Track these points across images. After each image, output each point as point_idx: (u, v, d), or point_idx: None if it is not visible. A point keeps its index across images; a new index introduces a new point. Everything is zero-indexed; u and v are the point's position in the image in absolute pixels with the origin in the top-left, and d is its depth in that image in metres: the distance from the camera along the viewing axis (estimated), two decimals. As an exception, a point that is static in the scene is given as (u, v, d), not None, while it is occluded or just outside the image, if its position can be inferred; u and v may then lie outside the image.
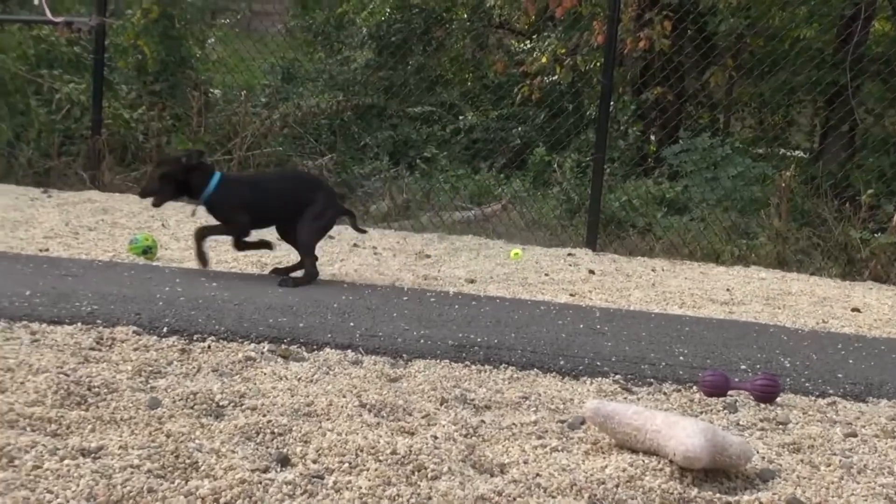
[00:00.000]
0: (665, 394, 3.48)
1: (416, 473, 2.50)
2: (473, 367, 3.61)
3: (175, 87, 9.29)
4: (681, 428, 2.63)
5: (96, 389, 2.92)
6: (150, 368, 3.23)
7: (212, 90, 9.94)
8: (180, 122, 9.02)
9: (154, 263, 5.31)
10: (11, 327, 3.60)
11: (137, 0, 9.44)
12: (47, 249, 5.52)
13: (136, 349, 3.46)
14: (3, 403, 2.70)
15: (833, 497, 2.55)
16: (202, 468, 2.41)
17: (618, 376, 3.64)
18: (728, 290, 6.08)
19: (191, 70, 9.57)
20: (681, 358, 3.98)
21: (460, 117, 11.32)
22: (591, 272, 6.32)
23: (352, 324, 4.07)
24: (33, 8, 8.85)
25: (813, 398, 3.57)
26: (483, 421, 2.95)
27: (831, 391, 3.67)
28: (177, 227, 6.80)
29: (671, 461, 2.61)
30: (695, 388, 3.54)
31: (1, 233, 5.94)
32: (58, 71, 9.19)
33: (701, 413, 3.28)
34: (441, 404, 3.11)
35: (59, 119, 8.78)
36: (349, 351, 3.66)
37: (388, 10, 11.79)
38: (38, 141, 8.67)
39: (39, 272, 4.67)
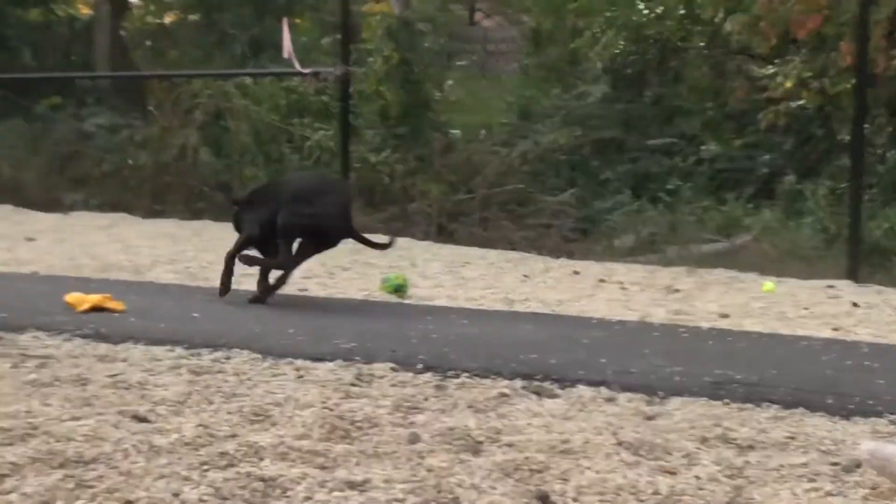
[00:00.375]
0: (949, 436, 3.24)
1: (681, 514, 2.43)
2: (733, 404, 3.49)
3: (417, 129, 9.59)
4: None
5: (359, 424, 3.02)
6: (408, 404, 3.31)
7: (452, 131, 10.19)
8: (423, 164, 9.29)
9: (405, 301, 5.47)
10: (278, 363, 3.79)
11: (378, 48, 9.81)
12: (306, 289, 5.79)
13: (393, 385, 3.55)
14: (275, 436, 2.84)
15: None
16: (464, 503, 2.43)
17: (894, 416, 3.42)
18: None
19: (431, 112, 9.85)
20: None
21: (702, 147, 11.09)
22: (855, 305, 6.02)
23: (603, 360, 4.03)
24: (283, 62, 9.38)
25: None
26: (748, 462, 2.84)
27: None
28: (425, 265, 6.99)
29: (963, 508, 2.43)
30: (984, 429, 3.28)
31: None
32: (307, 119, 9.68)
33: None
34: (702, 443, 3.02)
35: (309, 165, 9.24)
36: (602, 388, 3.62)
37: (622, 43, 11.73)
38: (292, 186, 9.12)
39: (300, 311, 4.90)
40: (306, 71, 8.90)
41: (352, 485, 2.52)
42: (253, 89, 9.99)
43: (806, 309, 5.81)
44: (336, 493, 2.44)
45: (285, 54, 8.80)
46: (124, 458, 2.61)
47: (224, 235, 7.96)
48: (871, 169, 9.51)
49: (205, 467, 2.58)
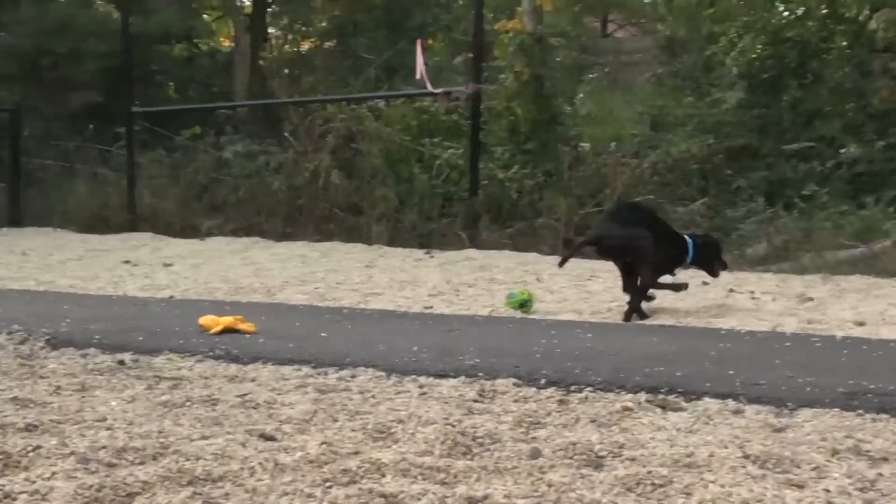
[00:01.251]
0: None
1: (808, 529, 2.37)
2: (867, 415, 3.38)
3: (546, 144, 9.59)
4: None
5: (480, 440, 3.04)
6: (530, 419, 3.32)
7: (581, 144, 10.15)
8: (551, 178, 9.28)
9: (531, 316, 5.47)
10: (402, 381, 3.85)
11: (510, 65, 9.85)
12: (431, 307, 5.86)
13: (515, 401, 3.57)
14: (397, 453, 2.88)
15: None
16: (584, 518, 2.43)
17: None
18: None
19: (561, 126, 9.84)
20: None
21: (841, 150, 10.73)
22: None
23: (731, 372, 3.97)
24: (416, 83, 9.52)
25: None
26: (881, 474, 2.75)
27: None
28: (550, 280, 6.98)
29: None
30: None
31: (390, 292, 6.39)
32: (437, 139, 9.79)
33: None
34: (832, 456, 2.93)
35: (439, 183, 9.34)
36: (729, 400, 3.56)
37: (760, 47, 11.47)
38: (420, 205, 9.25)
39: (425, 328, 4.97)
40: (438, 91, 9.03)
41: (472, 500, 2.54)
42: (385, 111, 10.17)
43: None
44: (456, 509, 2.46)
45: (417, 76, 8.94)
46: (250, 475, 2.68)
47: (352, 256, 8.16)
48: None
49: (328, 484, 2.63)
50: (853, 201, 9.50)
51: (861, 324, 5.26)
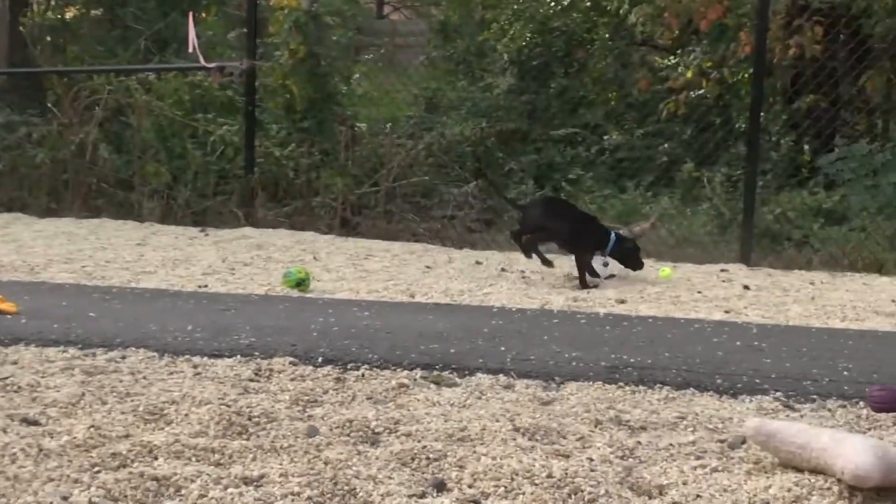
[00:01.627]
0: (830, 411, 3.37)
1: (573, 497, 2.48)
2: (627, 388, 3.58)
3: (322, 123, 9.52)
4: (849, 445, 2.54)
5: (256, 419, 3.01)
6: (307, 398, 3.31)
7: (358, 124, 10.15)
8: (328, 157, 9.25)
9: (308, 295, 5.46)
10: (175, 361, 3.75)
11: (285, 42, 9.72)
12: (206, 286, 5.73)
13: (292, 379, 3.55)
14: (170, 435, 2.81)
15: None
16: (360, 494, 2.45)
17: (778, 394, 3.54)
18: (894, 300, 5.83)
19: (337, 106, 9.80)
20: (845, 373, 3.85)
21: (605, 137, 11.25)
22: (746, 288, 6.17)
23: (503, 348, 4.09)
24: (188, 56, 9.25)
25: None
26: (639, 442, 2.92)
27: None
28: (328, 259, 6.97)
29: (839, 480, 2.52)
30: (862, 404, 3.41)
31: (162, 271, 6.21)
32: (211, 115, 9.56)
33: (870, 430, 3.15)
34: (595, 426, 3.09)
35: (213, 160, 9.12)
36: (501, 375, 3.67)
37: (529, 35, 11.82)
38: (194, 182, 9.02)
39: (199, 308, 4.86)
40: (211, 66, 8.80)
41: (247, 480, 2.52)
42: (156, 85, 9.81)
43: (699, 293, 5.94)
44: (231, 490, 2.43)
45: (190, 49, 8.68)
46: (12, 462, 2.56)
47: (122, 233, 7.86)
48: (766, 156, 9.77)
49: (96, 469, 2.56)
50: (615, 185, 9.98)
51: (622, 301, 5.54)
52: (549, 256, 6.30)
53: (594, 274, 6.31)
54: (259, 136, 9.04)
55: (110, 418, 2.97)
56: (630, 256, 6.35)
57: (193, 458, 2.66)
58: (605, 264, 6.39)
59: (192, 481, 2.47)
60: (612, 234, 6.33)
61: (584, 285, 6.13)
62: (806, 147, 10.43)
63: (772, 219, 8.15)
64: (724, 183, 9.10)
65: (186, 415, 3.02)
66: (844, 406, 3.42)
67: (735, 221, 7.93)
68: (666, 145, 10.79)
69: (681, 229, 8.31)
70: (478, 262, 7.01)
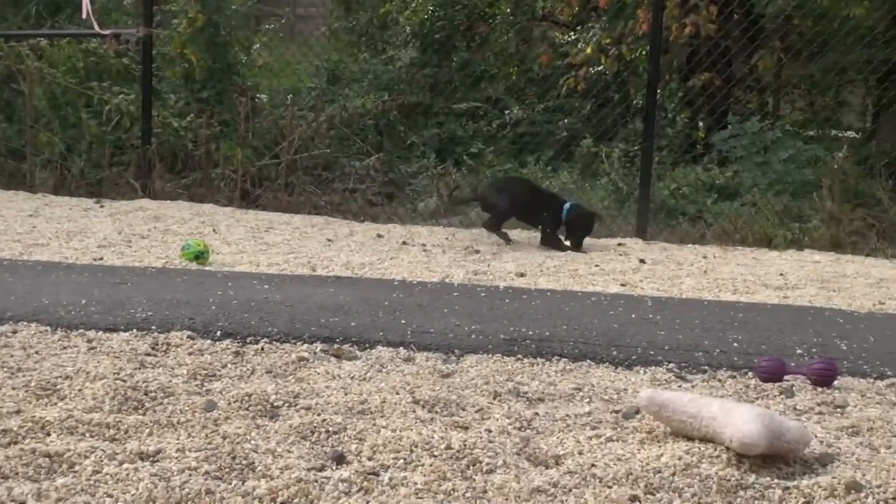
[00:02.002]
0: (720, 381, 3.46)
1: (471, 468, 2.50)
2: (526, 360, 3.61)
3: (222, 93, 9.36)
4: (737, 414, 2.61)
5: (153, 394, 2.96)
6: (205, 372, 3.28)
7: (258, 95, 10.01)
8: (228, 128, 9.10)
9: (207, 268, 5.38)
10: (69, 336, 3.66)
11: (183, 10, 9.52)
12: (102, 258, 5.61)
13: (190, 353, 3.50)
14: (63, 410, 2.75)
15: (894, 479, 2.51)
16: (259, 468, 2.43)
17: (671, 365, 3.62)
18: (782, 274, 6.01)
19: (237, 76, 9.64)
20: (735, 344, 3.95)
21: (506, 112, 11.30)
22: (642, 261, 6.29)
23: (403, 321, 4.09)
24: (82, 22, 8.98)
25: (871, 380, 3.52)
26: (537, 413, 2.96)
27: (890, 373, 3.61)
28: (227, 231, 6.88)
29: (728, 448, 2.59)
30: (750, 374, 3.51)
31: (56, 243, 6.05)
32: (107, 83, 9.32)
33: (757, 399, 3.25)
34: (494, 398, 3.11)
35: (109, 130, 8.90)
36: (401, 348, 3.68)
37: (431, 8, 11.78)
38: (89, 152, 8.79)
39: (94, 281, 4.75)
40: (106, 32, 8.55)
41: (143, 455, 2.48)
42: (48, 51, 9.51)
43: (597, 266, 6.03)
44: (126, 465, 2.39)
45: (84, 15, 8.42)
46: None
47: (14, 204, 7.62)
48: (663, 132, 9.94)
49: (-15, 445, 2.48)
50: (516, 160, 10.06)
51: (522, 274, 5.59)
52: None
53: (562, 246, 6.63)
54: (156, 106, 8.85)
55: (0, 394, 2.89)
56: (572, 227, 6.64)
57: (87, 434, 2.61)
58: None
59: (86, 457, 2.42)
60: (567, 205, 6.70)
61: (557, 248, 6.58)
62: (700, 124, 10.66)
63: (667, 194, 8.31)
64: (621, 158, 9.24)
65: (80, 390, 2.96)
66: (734, 376, 3.51)
67: (632, 196, 8.06)
68: (566, 121, 10.90)
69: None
70: (379, 236, 7.00)
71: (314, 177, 8.88)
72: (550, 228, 6.69)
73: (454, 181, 8.58)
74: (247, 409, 2.89)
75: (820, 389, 3.35)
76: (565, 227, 6.67)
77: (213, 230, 6.89)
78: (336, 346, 3.69)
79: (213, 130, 8.93)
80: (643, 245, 7.09)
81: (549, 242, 6.66)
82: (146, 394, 2.96)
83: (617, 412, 3.01)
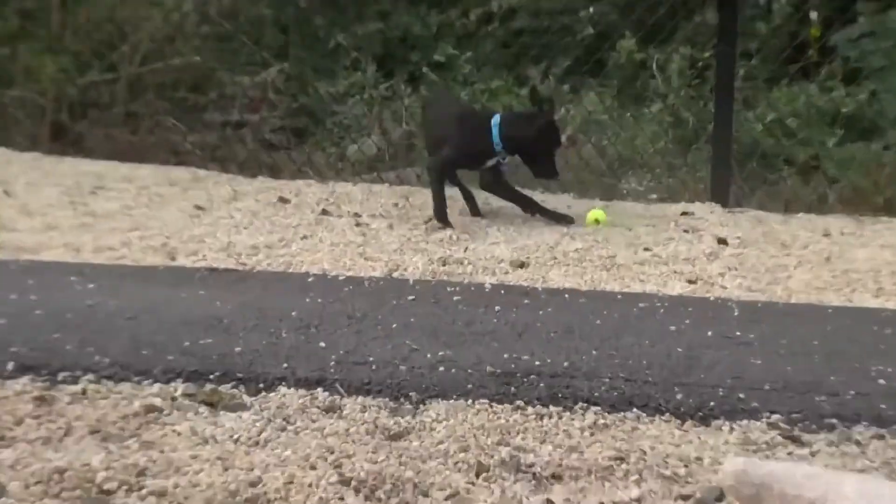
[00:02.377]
0: (858, 444, 3.44)
1: None
2: (530, 409, 3.61)
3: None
4: (888, 501, 2.57)
5: None
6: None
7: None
8: (33, 23, 9.11)
9: (-5, 256, 5.37)
10: None
11: None
12: None
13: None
14: None
15: None
16: None
17: (775, 416, 3.61)
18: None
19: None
20: (881, 381, 3.95)
21: (492, -7, 11.34)
22: (722, 242, 6.32)
23: (322, 343, 4.11)
24: None
25: None
26: (551, 502, 2.93)
27: None
28: (28, 193, 6.88)
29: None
30: (909, 432, 3.47)
31: None
32: None
33: (921, 474, 3.22)
34: (478, 476, 3.10)
35: None
36: (319, 389, 3.69)
37: None
38: None
39: None
40: None
41: None
42: None
43: (648, 250, 6.12)
44: None
45: None
46: None
47: None
48: (751, 28, 9.95)
49: None
50: (510, 73, 10.17)
51: (521, 265, 5.65)
52: None
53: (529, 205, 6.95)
54: None
55: None
56: (530, 145, 6.81)
57: None
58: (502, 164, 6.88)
59: None
60: (495, 118, 6.87)
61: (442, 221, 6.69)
62: (814, 15, 10.68)
63: (761, 130, 8.33)
64: (684, 71, 9.26)
65: None
66: (882, 437, 3.50)
67: (703, 134, 8.06)
68: (591, 9, 10.91)
69: (617, 146, 8.41)
70: (282, 200, 7.02)
71: (175, 103, 8.91)
72: (488, 174, 7.00)
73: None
74: (57, 496, 2.87)
75: None
76: (507, 154, 6.89)
77: (4, 192, 6.91)
78: (209, 386, 3.67)
79: (6, 26, 8.95)
80: (723, 214, 7.16)
81: (499, 191, 7.09)
82: None
83: (686, 498, 2.99)
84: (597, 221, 6.68)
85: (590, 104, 9.27)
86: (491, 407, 3.60)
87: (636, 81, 9.64)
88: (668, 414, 3.61)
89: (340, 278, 5.21)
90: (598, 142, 8.56)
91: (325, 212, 6.82)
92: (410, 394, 3.68)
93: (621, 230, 6.58)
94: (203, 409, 3.51)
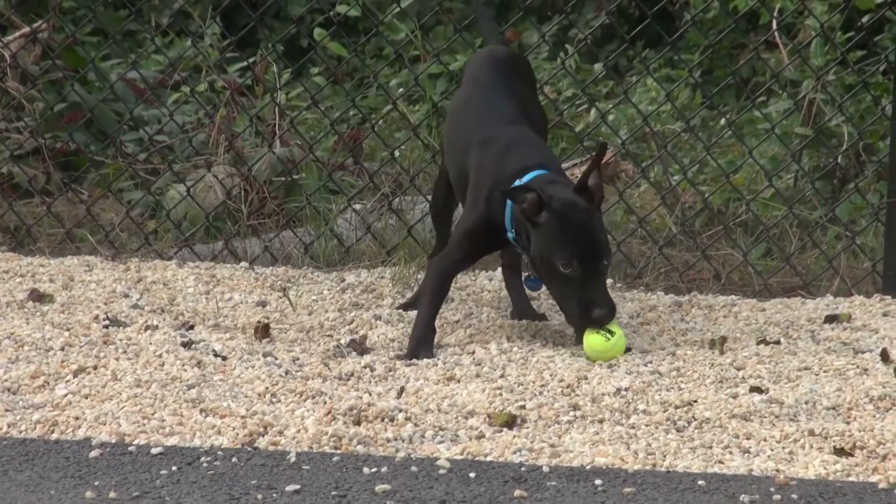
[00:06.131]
0: None
1: None
2: None
3: None
4: None
5: None
6: None
7: None
8: None
9: None
10: None
11: None
12: None
13: None
14: None
15: None
16: None
17: None
18: None
19: None
20: None
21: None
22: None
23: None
24: None
25: None
26: None
27: None
28: None
29: None
30: None
31: None
32: None
33: None
34: None
35: None
36: None
37: None
38: None
39: None
40: None
41: None
42: None
43: (758, 379, 6.23)
44: None
45: None
46: None
47: None
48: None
49: None
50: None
51: (508, 422, 5.70)
52: None
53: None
54: None
55: None
56: (538, 256, 7.43)
57: None
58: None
59: None
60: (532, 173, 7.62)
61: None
62: None
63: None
64: (834, 33, 9.38)
65: None
66: None
67: (871, 161, 8.15)
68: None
69: (702, 182, 8.52)
70: (37, 297, 7.12)
71: None
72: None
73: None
74: None
75: None
76: (519, 245, 7.64)
77: None
78: None
79: None
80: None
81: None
82: None
83: None
84: (601, 350, 6.80)
85: (646, 97, 9.34)
86: None
87: (734, 55, 9.75)
88: None
89: (153, 452, 5.29)
90: (660, 174, 8.64)
91: (117, 321, 6.99)
92: None
93: (702, 351, 6.65)
94: None
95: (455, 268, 7.86)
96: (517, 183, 7.51)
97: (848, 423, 5.82)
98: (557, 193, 7.39)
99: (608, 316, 7.25)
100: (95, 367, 6.32)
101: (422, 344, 7.23)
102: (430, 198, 8.95)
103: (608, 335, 7.21)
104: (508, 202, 7.45)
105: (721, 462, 5.43)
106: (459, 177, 8.04)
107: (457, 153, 8.12)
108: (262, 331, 7.12)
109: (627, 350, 7.10)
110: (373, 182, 10.29)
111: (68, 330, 6.89)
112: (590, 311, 7.20)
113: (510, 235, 7.52)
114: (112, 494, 4.80)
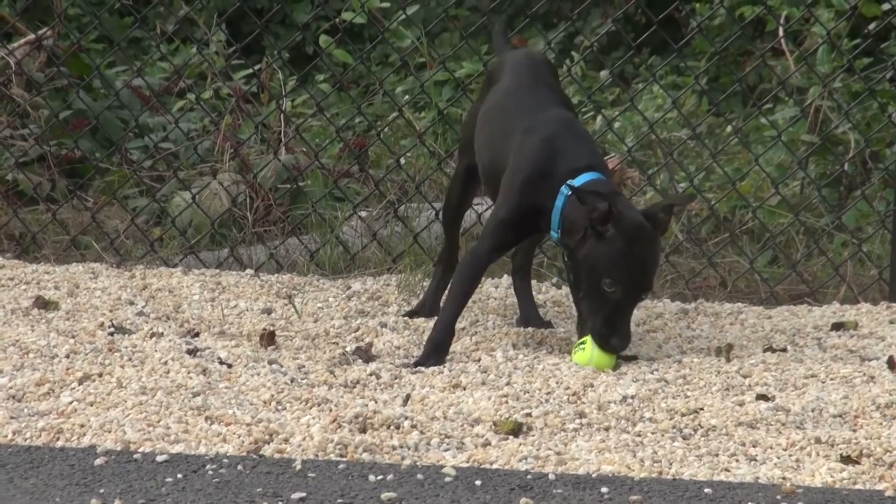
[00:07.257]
0: None
1: None
2: None
3: None
4: None
5: None
6: None
7: None
8: None
9: None
10: None
11: None
12: None
13: None
14: None
15: None
16: None
17: None
18: None
19: None
20: None
21: None
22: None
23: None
24: None
25: None
26: None
27: None
28: None
29: None
30: None
31: None
32: None
33: None
34: None
35: None
36: None
37: None
38: None
39: None
40: None
41: None
42: None
43: (763, 387, 6.18)
44: None
45: None
46: None
47: None
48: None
49: None
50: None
51: (513, 430, 5.67)
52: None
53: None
54: None
55: None
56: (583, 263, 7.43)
57: None
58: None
59: None
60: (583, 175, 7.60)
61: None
62: None
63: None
64: (840, 38, 9.37)
65: None
66: None
67: (878, 168, 8.13)
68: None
69: (708, 189, 8.50)
70: (42, 304, 7.09)
71: None
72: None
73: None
74: None
75: None
76: (562, 244, 7.61)
77: None
78: None
79: None
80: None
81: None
82: None
83: None
84: (588, 362, 6.79)
85: (652, 104, 9.34)
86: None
87: (740, 62, 9.75)
88: None
89: (158, 459, 5.29)
90: (666, 181, 8.63)
91: (122, 328, 6.99)
92: None
93: (708, 358, 6.64)
94: None
95: (488, 258, 7.81)
96: (573, 182, 7.46)
97: (854, 430, 5.83)
98: (628, 213, 7.38)
99: (622, 347, 7.20)
100: (101, 375, 6.35)
101: (437, 351, 7.21)
102: (436, 205, 9.05)
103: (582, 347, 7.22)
104: (561, 197, 7.42)
105: (727, 470, 5.45)
106: (492, 164, 8.05)
107: (495, 139, 8.08)
108: (268, 338, 7.09)
109: (633, 358, 7.07)
110: (378, 189, 10.28)
111: (73, 337, 6.92)
112: (609, 337, 7.11)
113: (554, 235, 7.49)
114: (117, 502, 4.79)
